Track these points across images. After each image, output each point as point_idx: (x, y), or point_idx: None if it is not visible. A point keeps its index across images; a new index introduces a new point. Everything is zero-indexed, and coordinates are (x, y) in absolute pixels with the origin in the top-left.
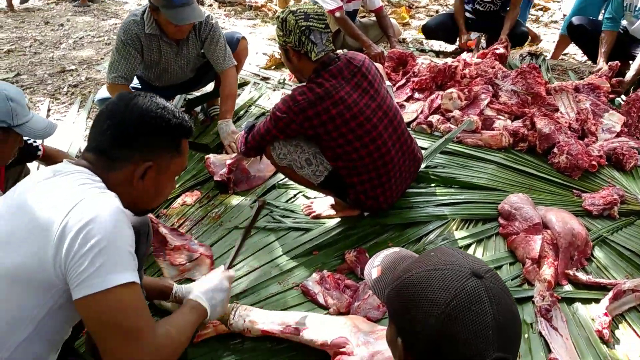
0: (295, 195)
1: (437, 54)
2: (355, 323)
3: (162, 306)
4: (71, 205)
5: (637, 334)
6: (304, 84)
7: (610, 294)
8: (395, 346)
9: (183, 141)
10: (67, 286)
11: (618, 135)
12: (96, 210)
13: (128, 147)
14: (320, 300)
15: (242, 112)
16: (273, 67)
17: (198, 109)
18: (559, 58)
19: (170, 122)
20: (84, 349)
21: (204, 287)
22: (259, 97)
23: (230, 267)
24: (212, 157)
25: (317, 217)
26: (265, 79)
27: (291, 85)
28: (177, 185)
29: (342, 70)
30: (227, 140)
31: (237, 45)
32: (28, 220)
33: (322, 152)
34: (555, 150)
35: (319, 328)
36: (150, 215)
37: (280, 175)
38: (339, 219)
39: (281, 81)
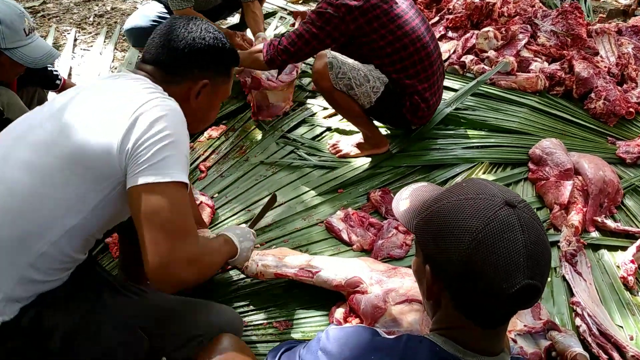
0: (321, 134)
1: None
2: (368, 263)
3: None
4: (143, 100)
5: None
6: None
7: (638, 242)
8: (423, 274)
9: (232, 68)
10: (124, 178)
11: None
12: (167, 109)
13: (188, 63)
14: (344, 236)
15: None
16: (301, 1)
17: None
18: (602, 0)
19: (226, 45)
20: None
21: (236, 231)
22: (286, 31)
23: (252, 227)
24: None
25: (344, 156)
26: (292, 13)
27: None
28: None
29: None
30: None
31: None
32: (98, 108)
33: (375, 65)
34: (592, 95)
35: (333, 270)
36: None
37: (307, 112)
38: (364, 159)
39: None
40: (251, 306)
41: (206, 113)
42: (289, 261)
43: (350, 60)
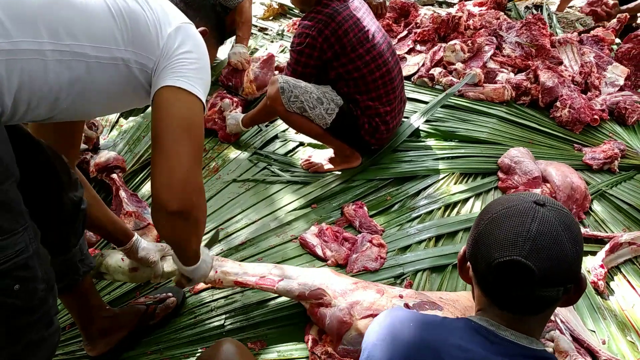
0: (294, 149)
1: (441, 4)
2: (333, 274)
3: (108, 271)
4: (185, 20)
5: (632, 285)
6: (311, 11)
7: (607, 246)
8: (460, 256)
9: (221, 41)
10: (157, 67)
11: (621, 89)
12: (201, 39)
13: (194, 9)
14: (319, 252)
15: None
16: (271, 18)
17: None
18: (565, 10)
19: (224, 23)
20: None
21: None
22: (257, 49)
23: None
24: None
25: (317, 170)
26: (263, 29)
27: (290, 36)
28: None
29: None
30: (237, 58)
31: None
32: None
33: (334, 84)
34: (558, 104)
35: (296, 279)
36: (115, 176)
37: (280, 127)
38: (337, 173)
39: (279, 32)
40: (226, 327)
41: None
42: (249, 269)
43: (303, 84)
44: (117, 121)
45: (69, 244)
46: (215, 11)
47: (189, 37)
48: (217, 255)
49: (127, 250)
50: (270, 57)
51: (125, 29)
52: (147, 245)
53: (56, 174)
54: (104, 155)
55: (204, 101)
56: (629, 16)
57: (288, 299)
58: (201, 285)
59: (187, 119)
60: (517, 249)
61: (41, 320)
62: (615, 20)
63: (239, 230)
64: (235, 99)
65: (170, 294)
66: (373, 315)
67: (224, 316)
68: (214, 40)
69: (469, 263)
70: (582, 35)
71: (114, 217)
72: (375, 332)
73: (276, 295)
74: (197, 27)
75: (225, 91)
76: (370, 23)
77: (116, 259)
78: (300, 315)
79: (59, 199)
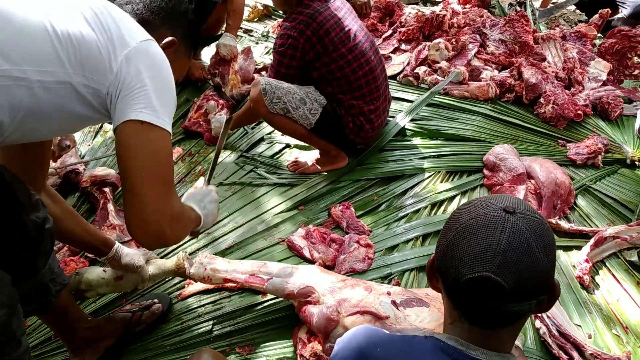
0: (280, 151)
1: (425, 2)
2: (321, 271)
3: (88, 282)
4: (144, 37)
5: (617, 279)
6: (292, 12)
7: (592, 241)
8: (428, 265)
9: (194, 50)
10: (112, 93)
11: (604, 84)
12: (164, 58)
13: (161, 16)
14: (306, 254)
15: None
16: (256, 20)
17: None
18: (548, 6)
19: (197, 28)
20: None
21: (195, 198)
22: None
23: (208, 183)
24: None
25: (303, 172)
26: (248, 31)
27: (274, 37)
28: None
29: None
30: (226, 50)
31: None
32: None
33: (317, 85)
34: (542, 100)
35: (285, 277)
36: (107, 189)
37: (266, 129)
38: (324, 174)
39: (264, 34)
40: (213, 332)
41: None
42: (239, 266)
43: (286, 85)
44: (101, 127)
45: (37, 266)
46: (186, 18)
47: (147, 57)
48: None
49: (110, 259)
50: (249, 49)
51: (73, 52)
52: (130, 250)
53: (15, 196)
54: (104, 170)
55: (169, 129)
56: (610, 11)
57: (275, 302)
58: (189, 291)
59: (153, 156)
60: (486, 264)
61: (8, 344)
62: (597, 15)
63: (225, 234)
64: (220, 101)
65: (156, 300)
66: (360, 313)
67: (211, 322)
68: (184, 50)
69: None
70: (565, 31)
71: (92, 228)
72: (342, 355)
73: (264, 299)
74: (164, 37)
75: (211, 92)
76: (352, 22)
77: (96, 272)
78: (288, 318)
79: (20, 222)
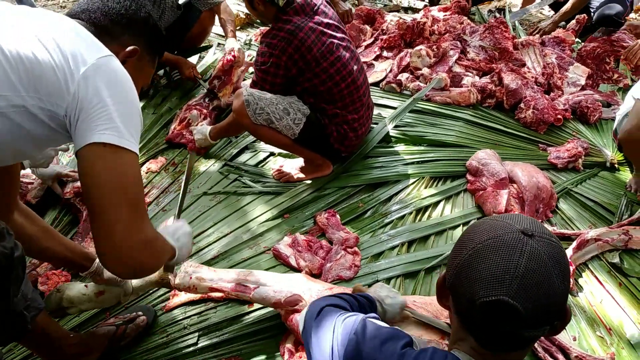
0: (265, 159)
1: (407, 10)
2: (308, 280)
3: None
4: (102, 53)
5: (599, 281)
6: (272, 27)
7: (574, 243)
8: (439, 282)
9: (158, 55)
10: (71, 114)
11: (583, 88)
12: (125, 74)
13: (121, 23)
14: (293, 262)
15: (208, 74)
16: (238, 28)
17: (161, 72)
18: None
19: (161, 33)
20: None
21: (167, 231)
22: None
23: (178, 217)
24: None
25: (288, 180)
26: None
27: (257, 46)
28: (140, 153)
29: (304, 7)
30: (242, 55)
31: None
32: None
33: (300, 96)
34: (522, 105)
35: (272, 286)
36: None
37: (250, 138)
38: (309, 182)
39: (247, 42)
40: (199, 344)
41: None
42: (225, 275)
43: (269, 95)
44: None
45: (9, 295)
46: (148, 24)
47: (107, 75)
48: None
49: (92, 274)
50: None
51: (25, 73)
52: None
53: None
54: None
55: (135, 150)
56: (586, 17)
57: (262, 313)
58: (174, 303)
59: (119, 179)
60: (503, 288)
61: None
62: (574, 21)
63: (211, 244)
64: (204, 111)
65: (140, 312)
66: None
67: (197, 334)
68: (148, 57)
69: (448, 291)
70: (544, 37)
71: (71, 244)
72: (359, 332)
73: (250, 309)
74: (127, 45)
75: (194, 102)
76: (335, 32)
77: (77, 289)
78: (274, 328)
79: None
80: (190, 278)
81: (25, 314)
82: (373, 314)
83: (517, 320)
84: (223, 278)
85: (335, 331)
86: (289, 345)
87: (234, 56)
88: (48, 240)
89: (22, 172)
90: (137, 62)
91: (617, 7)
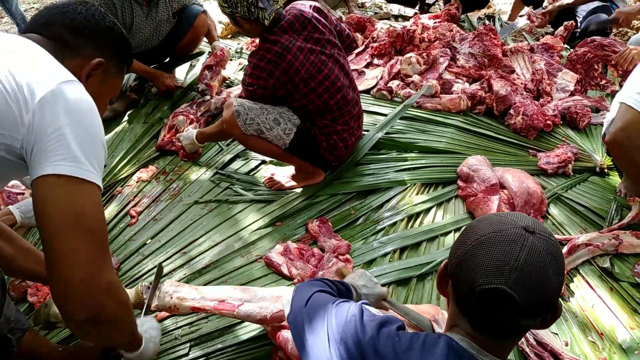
0: (256, 167)
1: (397, 18)
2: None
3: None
4: (62, 79)
5: (591, 286)
6: (259, 47)
7: (565, 248)
8: (441, 269)
9: (125, 64)
10: (27, 146)
11: (572, 94)
12: (86, 100)
13: (83, 36)
14: (285, 271)
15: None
16: (229, 36)
17: (133, 82)
18: (515, 20)
19: (125, 35)
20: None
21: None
22: None
23: (146, 314)
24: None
25: (279, 188)
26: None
27: (247, 54)
28: (130, 163)
29: (292, 23)
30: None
31: (195, 20)
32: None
33: (290, 108)
34: (512, 111)
35: (257, 302)
36: None
37: (241, 146)
38: (300, 190)
39: (238, 50)
40: (190, 355)
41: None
42: (207, 293)
43: (259, 105)
44: None
45: None
46: (113, 33)
47: (65, 101)
48: (179, 280)
49: None
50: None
51: None
52: None
53: None
54: None
55: (97, 181)
56: (574, 23)
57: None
58: (163, 313)
59: (73, 213)
60: (503, 277)
61: None
62: (562, 27)
63: (202, 253)
64: (190, 116)
65: None
66: None
67: (188, 344)
68: (115, 68)
69: (448, 278)
70: (533, 43)
71: None
72: (357, 315)
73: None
74: (91, 58)
75: (182, 109)
76: (324, 46)
77: None
78: (267, 337)
79: None
80: (171, 298)
81: (10, 337)
82: (365, 300)
83: (513, 309)
84: (206, 296)
85: (329, 317)
86: (281, 355)
87: (223, 51)
88: (26, 261)
89: (12, 182)
90: (103, 75)
91: (603, 16)
